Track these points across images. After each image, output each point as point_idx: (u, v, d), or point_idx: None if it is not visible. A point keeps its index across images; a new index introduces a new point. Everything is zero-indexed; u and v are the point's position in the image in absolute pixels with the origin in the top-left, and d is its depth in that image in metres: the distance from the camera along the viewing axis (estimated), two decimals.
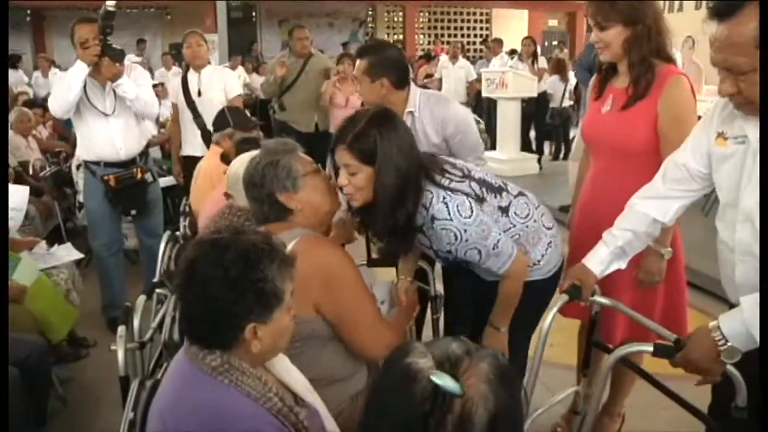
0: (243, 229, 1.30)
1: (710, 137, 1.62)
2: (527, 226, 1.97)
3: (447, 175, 1.84)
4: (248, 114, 3.55)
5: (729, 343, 1.44)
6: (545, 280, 2.03)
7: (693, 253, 2.76)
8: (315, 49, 5.64)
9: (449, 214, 1.77)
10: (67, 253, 3.46)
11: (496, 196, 1.92)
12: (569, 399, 2.33)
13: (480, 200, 1.85)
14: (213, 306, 1.21)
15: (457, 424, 0.76)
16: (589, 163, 2.36)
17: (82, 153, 3.63)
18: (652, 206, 1.76)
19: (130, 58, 9.88)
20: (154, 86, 6.41)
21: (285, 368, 1.41)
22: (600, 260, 1.82)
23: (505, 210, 1.93)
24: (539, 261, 2.02)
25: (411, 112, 2.57)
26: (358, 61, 2.54)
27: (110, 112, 3.44)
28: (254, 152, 2.36)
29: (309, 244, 1.63)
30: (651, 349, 1.62)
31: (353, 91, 5.62)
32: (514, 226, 1.94)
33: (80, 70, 3.28)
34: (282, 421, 1.23)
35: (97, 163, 3.54)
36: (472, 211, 1.79)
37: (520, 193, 2.01)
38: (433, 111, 2.56)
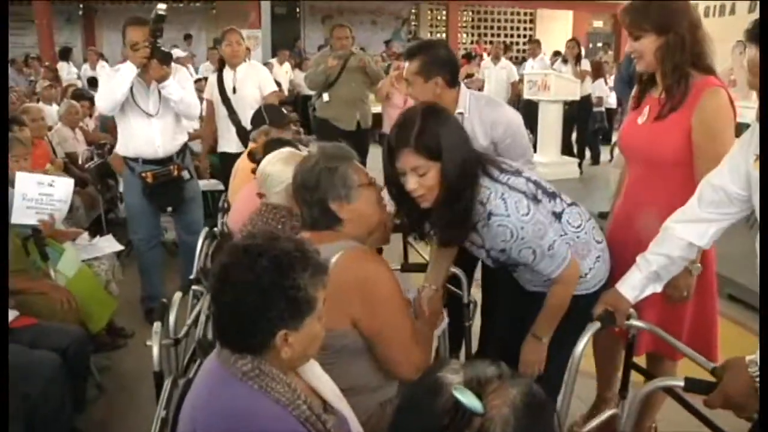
0: (277, 235, 1.30)
1: (748, 159, 1.58)
2: (578, 237, 1.94)
3: (504, 172, 1.82)
4: (285, 111, 3.57)
5: None
6: (590, 295, 1.97)
7: (733, 264, 2.67)
8: (356, 48, 5.66)
9: (506, 210, 1.75)
10: (109, 244, 3.54)
11: (550, 201, 1.89)
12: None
13: (536, 201, 1.82)
14: (244, 311, 1.22)
15: None
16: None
17: (121, 149, 3.71)
18: (688, 230, 1.73)
19: (176, 53, 10.14)
20: (198, 81, 6.54)
21: (315, 374, 1.41)
22: (633, 285, 1.81)
23: (558, 216, 1.90)
24: (586, 274, 1.98)
25: (461, 113, 2.55)
26: (408, 63, 2.52)
27: (154, 113, 3.53)
28: (284, 150, 2.40)
29: (354, 258, 1.62)
30: (682, 384, 1.58)
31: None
32: (566, 234, 1.91)
33: (129, 71, 3.38)
34: (309, 429, 1.24)
35: (135, 160, 3.63)
36: (529, 210, 1.77)
37: (573, 203, 1.98)
38: (483, 112, 2.55)
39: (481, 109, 2.54)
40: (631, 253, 2.04)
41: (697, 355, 1.72)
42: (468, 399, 0.77)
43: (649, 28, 1.96)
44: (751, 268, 1.69)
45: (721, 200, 1.67)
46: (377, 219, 1.78)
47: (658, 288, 1.84)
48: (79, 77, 10.44)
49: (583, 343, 1.81)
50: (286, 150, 2.39)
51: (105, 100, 3.49)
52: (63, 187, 3.21)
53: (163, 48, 3.42)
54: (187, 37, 12.99)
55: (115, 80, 3.42)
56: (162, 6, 3.29)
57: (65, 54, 11.27)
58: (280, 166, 2.21)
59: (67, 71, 10.52)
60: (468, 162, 1.74)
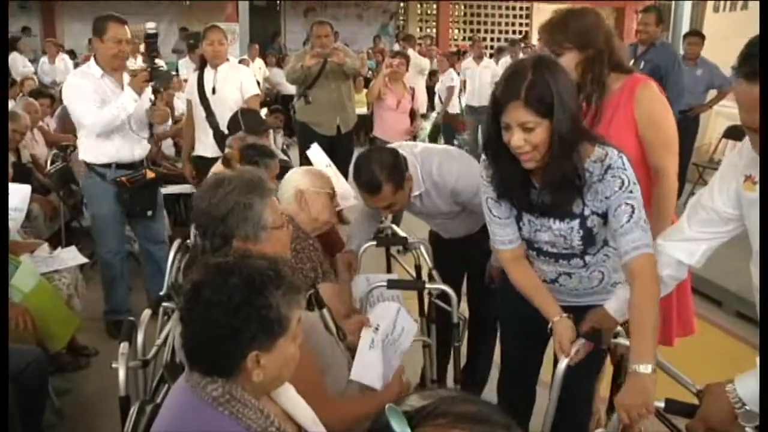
0: (249, 254, 1.32)
1: (739, 180, 1.62)
2: None
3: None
4: (263, 117, 3.58)
5: (746, 407, 1.44)
6: None
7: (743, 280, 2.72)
8: (341, 44, 5.66)
9: (624, 165, 1.76)
10: (72, 256, 3.50)
11: None
12: None
13: None
14: (215, 332, 1.24)
15: None
16: None
17: (88, 156, 3.72)
18: (678, 248, 1.77)
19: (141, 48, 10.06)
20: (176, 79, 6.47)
21: (290, 398, 1.42)
22: (620, 305, 1.84)
23: None
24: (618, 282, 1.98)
25: (419, 195, 2.58)
26: (380, 196, 2.44)
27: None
28: (300, 169, 2.42)
29: None
30: (663, 405, 1.65)
31: (405, 93, 5.64)
32: None
33: (130, 100, 3.53)
34: None
35: (108, 166, 3.67)
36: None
37: None
38: (437, 183, 2.56)
39: (435, 180, 2.56)
40: None
41: (682, 376, 1.81)
42: (395, 421, 0.77)
43: (570, 45, 2.18)
44: (732, 270, 1.77)
45: (711, 219, 1.71)
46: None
47: None
48: (36, 73, 10.19)
49: (564, 364, 1.86)
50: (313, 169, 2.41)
51: (102, 125, 3.55)
52: (19, 194, 3.19)
53: (161, 69, 3.61)
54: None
55: (113, 110, 3.50)
56: (151, 25, 3.50)
57: (12, 43, 10.40)
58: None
59: (22, 64, 10.15)
60: (578, 120, 1.76)
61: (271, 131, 4.18)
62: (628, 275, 1.76)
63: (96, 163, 3.69)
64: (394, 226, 3.35)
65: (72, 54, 10.77)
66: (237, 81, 4.39)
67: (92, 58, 3.72)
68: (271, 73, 10.84)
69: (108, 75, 3.61)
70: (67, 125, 6.63)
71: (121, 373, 1.95)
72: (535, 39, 12.86)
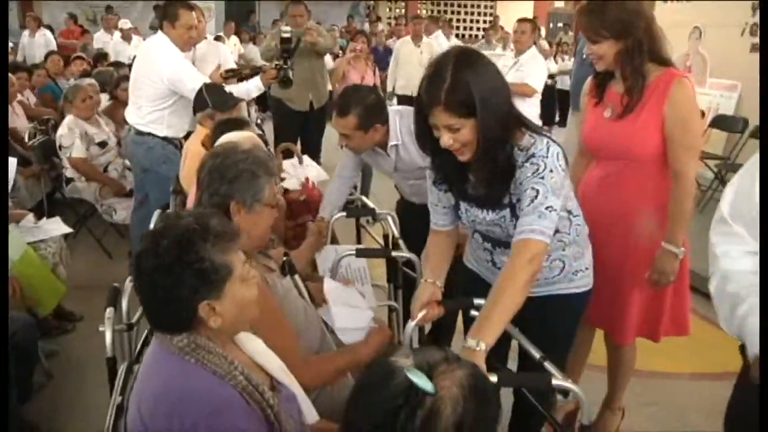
0: (181, 215, 1.37)
1: None
2: (584, 226, 1.96)
3: (542, 131, 1.76)
4: (228, 91, 3.56)
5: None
6: (583, 294, 1.99)
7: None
8: (312, 22, 5.65)
9: (547, 153, 1.67)
10: (56, 226, 3.49)
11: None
12: None
13: (568, 165, 1.79)
14: (159, 294, 1.30)
15: (425, 419, 0.83)
16: (584, 166, 2.42)
17: (170, 132, 3.84)
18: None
19: (123, 23, 9.88)
20: None
21: (259, 350, 1.48)
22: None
23: (576, 195, 1.92)
24: (589, 267, 1.99)
25: (396, 144, 2.62)
26: (342, 120, 2.50)
27: None
28: (245, 133, 2.43)
29: None
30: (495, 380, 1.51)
31: (367, 69, 5.69)
32: (580, 215, 1.92)
33: (256, 88, 3.85)
34: (247, 399, 1.31)
35: (177, 138, 3.88)
36: (565, 169, 1.71)
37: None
38: (414, 134, 2.59)
39: (411, 131, 2.58)
40: (616, 254, 2.19)
41: (529, 347, 1.77)
42: (421, 380, 0.84)
43: (607, 34, 2.05)
44: (699, 251, 1.72)
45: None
46: (258, 241, 1.85)
47: None
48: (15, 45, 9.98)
49: (412, 324, 1.88)
50: (247, 133, 2.42)
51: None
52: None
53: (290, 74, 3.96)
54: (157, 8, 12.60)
55: (241, 90, 3.74)
56: (287, 29, 4.05)
57: None
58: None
59: None
60: (507, 115, 1.65)
61: (244, 105, 4.17)
62: (513, 249, 1.67)
63: (174, 137, 3.85)
64: (364, 198, 3.40)
65: (50, 29, 10.49)
66: (215, 58, 4.40)
67: (163, 37, 3.71)
68: (246, 50, 10.71)
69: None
70: (47, 99, 6.58)
71: (108, 336, 1.97)
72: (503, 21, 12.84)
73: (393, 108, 2.67)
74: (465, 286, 2.11)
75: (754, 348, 1.33)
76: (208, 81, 3.61)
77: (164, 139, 3.82)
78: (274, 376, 1.47)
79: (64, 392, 2.99)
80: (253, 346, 1.48)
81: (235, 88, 3.68)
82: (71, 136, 4.46)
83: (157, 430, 1.27)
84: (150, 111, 3.78)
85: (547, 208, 1.64)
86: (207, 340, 1.33)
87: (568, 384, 1.55)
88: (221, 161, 1.81)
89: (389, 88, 7.28)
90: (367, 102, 2.50)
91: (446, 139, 1.64)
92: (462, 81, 1.58)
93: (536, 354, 1.71)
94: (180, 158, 3.73)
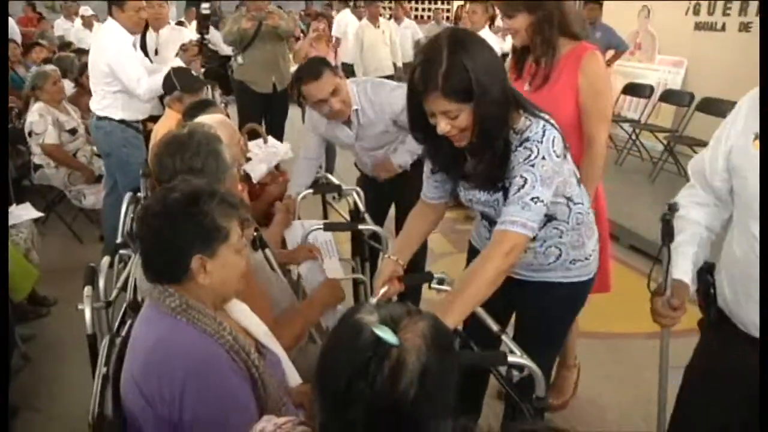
0: (195, 179, 1.46)
1: (746, 140, 1.45)
2: (589, 214, 1.87)
3: (542, 112, 1.65)
4: (195, 74, 3.59)
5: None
6: (587, 282, 1.93)
7: (634, 218, 2.82)
8: (273, 6, 5.63)
9: (542, 138, 1.57)
10: (26, 212, 3.48)
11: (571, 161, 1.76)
12: None
13: (567, 149, 1.70)
14: (159, 240, 1.38)
15: (392, 369, 0.90)
16: None
17: (127, 114, 3.81)
18: (701, 214, 1.65)
19: (83, 10, 9.65)
20: None
21: (245, 315, 1.55)
22: (685, 270, 1.64)
23: (579, 182, 1.83)
24: (590, 257, 1.90)
25: (357, 109, 2.71)
26: (319, 82, 2.59)
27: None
28: (217, 116, 2.47)
29: None
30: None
31: (329, 51, 5.74)
32: (583, 203, 1.83)
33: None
34: (233, 357, 1.38)
35: (138, 121, 3.89)
36: (562, 155, 1.62)
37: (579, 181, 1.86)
38: (372, 100, 2.71)
39: (371, 98, 2.71)
40: None
41: (487, 320, 1.81)
42: (386, 334, 0.91)
43: (521, 8, 2.14)
44: (652, 221, 1.83)
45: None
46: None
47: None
48: None
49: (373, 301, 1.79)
50: (219, 116, 2.46)
51: (152, 92, 3.70)
52: None
53: (211, 46, 3.85)
54: None
55: (158, 77, 3.61)
56: (206, 5, 4.06)
57: None
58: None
59: None
60: (503, 95, 1.56)
61: (208, 88, 4.19)
62: (493, 236, 1.63)
63: (133, 120, 3.84)
64: (329, 175, 3.46)
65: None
66: (178, 42, 4.36)
67: (112, 23, 3.69)
68: (209, 35, 10.58)
69: (132, 40, 3.74)
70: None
71: (87, 313, 2.01)
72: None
73: (348, 80, 2.76)
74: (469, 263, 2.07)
75: (675, 271, 1.60)
76: (153, 69, 3.65)
77: (122, 122, 3.80)
78: (260, 340, 1.54)
79: (44, 373, 3.01)
80: (240, 312, 1.55)
81: (156, 78, 3.66)
82: (43, 122, 4.41)
83: (150, 388, 1.32)
84: (103, 96, 3.79)
85: (533, 198, 1.56)
86: (197, 302, 1.40)
87: (523, 360, 1.58)
88: (180, 157, 1.85)
89: (359, 75, 7.03)
90: (323, 61, 2.69)
91: (443, 126, 1.55)
92: (459, 65, 1.48)
93: (494, 327, 1.74)
94: (142, 141, 3.75)
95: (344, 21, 8.19)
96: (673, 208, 1.62)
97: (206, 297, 1.43)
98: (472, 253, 2.08)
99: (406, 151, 2.89)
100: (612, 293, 2.52)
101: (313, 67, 2.65)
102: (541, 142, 1.57)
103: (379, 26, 7.09)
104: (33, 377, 2.98)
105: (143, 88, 3.63)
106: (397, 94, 2.70)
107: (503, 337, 1.69)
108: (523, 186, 1.56)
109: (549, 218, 1.75)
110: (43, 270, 3.47)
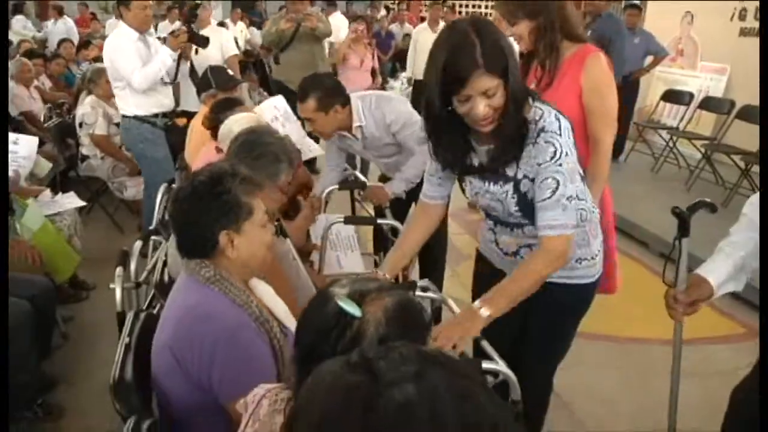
0: (221, 164, 1.61)
1: None
2: (593, 212, 1.89)
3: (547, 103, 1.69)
4: (231, 73, 3.77)
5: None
6: (593, 284, 1.95)
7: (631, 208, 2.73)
8: (314, 9, 5.80)
9: (560, 129, 1.61)
10: (70, 201, 3.71)
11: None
12: None
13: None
14: (188, 218, 1.54)
15: (352, 338, 0.99)
16: None
17: (140, 110, 3.97)
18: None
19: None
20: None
21: (268, 294, 1.68)
22: (719, 271, 1.67)
23: (582, 179, 1.83)
24: (595, 257, 1.92)
25: (360, 126, 2.80)
26: (303, 105, 2.70)
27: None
28: (251, 114, 2.63)
29: None
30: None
31: (367, 53, 5.87)
32: (586, 200, 1.83)
33: (167, 56, 3.88)
34: (258, 327, 1.51)
35: (156, 116, 4.01)
36: (574, 146, 1.65)
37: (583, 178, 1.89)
38: (375, 115, 2.80)
39: (373, 113, 2.80)
40: None
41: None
42: (349, 306, 1.00)
43: (522, 15, 2.19)
44: (651, 212, 1.88)
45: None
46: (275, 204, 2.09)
47: (739, 286, 1.71)
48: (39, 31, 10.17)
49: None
50: (253, 115, 2.61)
51: (149, 81, 3.83)
52: (27, 145, 3.36)
53: (201, 33, 4.05)
54: None
55: (156, 65, 3.82)
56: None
57: (19, 7, 10.81)
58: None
59: (23, 26, 10.16)
60: (518, 69, 1.62)
61: (244, 87, 4.37)
62: (539, 244, 1.66)
63: (147, 115, 3.98)
64: (357, 173, 3.58)
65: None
66: (218, 42, 4.58)
67: (121, 23, 3.90)
68: (253, 35, 10.86)
69: (140, 36, 3.86)
70: (59, 85, 6.78)
71: (118, 292, 2.17)
72: None
73: (355, 94, 2.87)
74: (477, 271, 2.13)
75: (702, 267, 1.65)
76: (149, 70, 3.80)
77: (135, 118, 3.97)
78: (281, 320, 1.65)
79: (80, 351, 3.21)
80: (264, 291, 1.67)
81: (152, 65, 3.82)
82: (95, 114, 4.66)
83: (181, 348, 1.46)
84: (117, 93, 4.02)
85: (568, 198, 1.61)
86: (229, 275, 1.54)
87: (498, 367, 1.61)
88: (252, 135, 2.05)
89: (408, 74, 7.44)
90: (325, 86, 2.72)
91: (483, 108, 1.56)
92: (491, 40, 1.53)
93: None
94: (160, 136, 3.95)
95: (336, 25, 8.30)
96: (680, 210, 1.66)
97: (235, 270, 1.56)
98: (481, 261, 2.08)
99: (402, 180, 2.95)
100: (636, 298, 2.52)
101: (306, 88, 2.73)
102: (560, 134, 1.60)
103: (436, 31, 7.06)
104: (70, 354, 3.18)
105: (137, 78, 3.78)
106: (392, 107, 2.81)
107: (482, 342, 1.71)
108: (556, 188, 1.60)
109: None
110: (85, 256, 3.68)
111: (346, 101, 2.77)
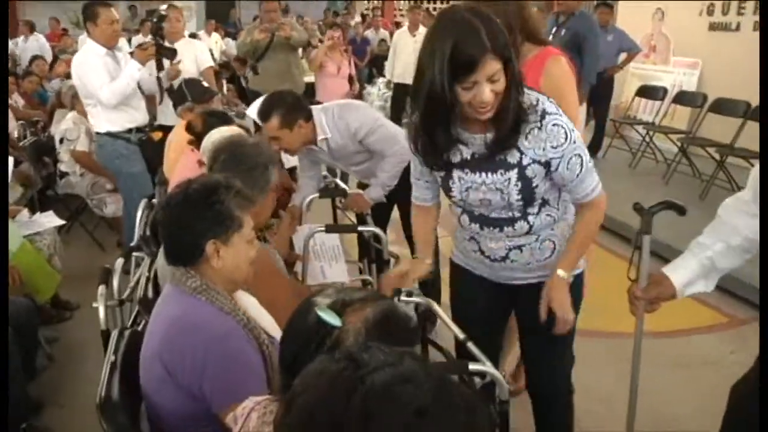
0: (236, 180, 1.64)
1: None
2: (569, 202, 1.89)
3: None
4: (206, 85, 3.77)
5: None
6: (582, 272, 1.97)
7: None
8: (288, 18, 5.81)
9: (557, 110, 1.66)
10: (49, 220, 3.67)
11: None
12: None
13: None
14: (178, 223, 1.55)
15: (331, 347, 0.99)
16: None
17: (112, 126, 3.95)
18: (746, 225, 1.61)
19: None
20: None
21: (253, 306, 1.69)
22: (684, 271, 1.69)
23: None
24: None
25: (326, 138, 2.81)
26: (267, 125, 2.70)
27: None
28: (234, 128, 2.64)
29: None
30: None
31: (343, 60, 5.89)
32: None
33: (135, 69, 3.85)
34: (247, 334, 1.52)
35: (130, 131, 3.99)
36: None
37: None
38: (338, 125, 2.81)
39: (337, 124, 2.81)
40: None
41: (452, 326, 1.88)
42: (328, 316, 1.01)
43: None
44: (663, 222, 1.88)
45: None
46: (264, 220, 2.16)
47: (710, 286, 1.72)
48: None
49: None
50: (236, 129, 2.61)
51: (117, 96, 3.81)
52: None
53: (167, 45, 4.03)
54: (132, 8, 12.77)
55: (123, 80, 3.80)
56: (163, 6, 3.95)
57: None
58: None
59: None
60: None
61: (216, 99, 4.36)
62: (582, 206, 1.76)
63: (121, 131, 3.96)
64: (338, 180, 3.59)
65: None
66: (192, 54, 4.56)
67: (89, 40, 3.89)
68: (228, 46, 10.84)
69: (108, 52, 3.85)
70: (33, 103, 6.72)
71: (101, 310, 2.16)
72: None
73: (315, 107, 2.88)
74: (454, 282, 2.10)
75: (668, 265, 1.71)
76: (117, 85, 3.78)
77: (109, 134, 3.96)
78: (266, 329, 1.65)
79: (67, 371, 3.17)
80: (248, 303, 1.68)
81: (119, 81, 3.81)
82: (77, 130, 4.63)
83: (172, 359, 1.46)
84: (89, 111, 4.01)
85: (590, 163, 1.71)
86: (215, 285, 1.54)
87: (485, 368, 1.64)
88: (237, 150, 2.08)
89: (387, 77, 7.50)
90: (286, 102, 2.72)
91: (487, 94, 1.54)
92: (493, 23, 1.53)
93: (461, 335, 1.80)
94: (135, 152, 3.95)
95: None
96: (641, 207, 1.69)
97: (219, 281, 1.57)
98: (457, 270, 2.05)
99: (378, 185, 2.97)
100: (620, 293, 2.56)
101: (267, 107, 2.73)
102: (561, 115, 1.66)
103: (415, 36, 7.12)
104: (56, 375, 3.15)
105: (105, 93, 3.77)
106: (355, 116, 2.82)
107: (468, 344, 1.74)
108: (582, 162, 1.68)
109: (543, 202, 1.78)
110: (67, 276, 3.65)
111: (309, 115, 2.77)
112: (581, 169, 1.68)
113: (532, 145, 1.65)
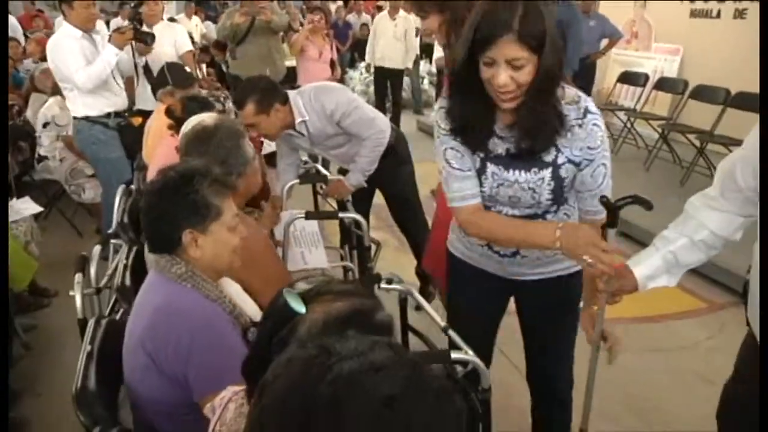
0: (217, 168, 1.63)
1: None
2: None
3: None
4: (188, 70, 3.73)
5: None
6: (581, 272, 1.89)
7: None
8: (269, 2, 5.74)
9: (597, 110, 1.57)
10: (27, 206, 3.62)
11: None
12: None
13: None
14: (155, 211, 1.54)
15: (287, 333, 0.97)
16: None
17: (90, 110, 3.88)
18: (711, 218, 1.58)
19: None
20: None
21: (237, 293, 1.67)
22: (647, 265, 1.65)
23: None
24: None
25: (304, 121, 2.80)
26: (243, 111, 2.69)
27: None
28: (213, 114, 2.60)
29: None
30: None
31: (325, 44, 5.84)
32: None
33: (112, 54, 3.79)
34: (233, 321, 1.52)
35: (108, 116, 3.92)
36: None
37: None
38: (315, 107, 2.80)
39: (314, 106, 2.80)
40: None
41: (435, 317, 1.87)
42: (292, 300, 0.99)
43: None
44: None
45: (746, 198, 1.49)
46: (255, 189, 2.15)
47: (673, 281, 1.67)
48: None
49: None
50: (215, 115, 2.58)
51: (94, 80, 3.74)
52: None
53: (145, 29, 3.98)
54: None
55: (100, 64, 3.73)
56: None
57: None
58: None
59: None
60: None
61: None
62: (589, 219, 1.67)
63: (99, 115, 3.89)
64: (318, 166, 3.57)
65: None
66: (172, 39, 4.51)
67: (64, 22, 3.81)
68: (209, 29, 10.69)
69: (84, 35, 3.77)
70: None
71: (78, 299, 2.12)
72: None
73: (291, 91, 2.86)
74: (453, 274, 2.00)
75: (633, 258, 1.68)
76: (93, 69, 3.72)
77: (87, 119, 3.90)
78: (251, 316, 1.63)
79: (44, 360, 3.14)
80: (233, 291, 1.66)
81: (95, 64, 3.75)
82: (66, 115, 4.48)
83: (156, 346, 1.44)
84: (66, 95, 3.94)
85: (609, 180, 1.63)
86: (200, 272, 1.53)
87: (467, 357, 1.62)
88: (204, 150, 2.00)
89: (367, 61, 7.56)
90: (261, 87, 2.72)
91: (504, 78, 1.44)
92: (536, 10, 1.41)
93: (441, 323, 1.79)
94: (113, 137, 3.88)
95: None
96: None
97: (202, 269, 1.54)
98: (455, 262, 1.95)
99: (357, 171, 2.98)
100: None
101: (243, 94, 2.74)
102: (601, 117, 1.57)
103: (395, 19, 7.29)
104: (34, 364, 3.11)
105: (81, 77, 3.70)
106: (331, 97, 2.81)
107: (450, 332, 1.73)
108: (605, 175, 1.61)
109: (564, 201, 1.70)
110: (45, 263, 3.60)
111: (285, 99, 2.77)
112: (603, 181, 1.61)
113: (569, 143, 1.56)
